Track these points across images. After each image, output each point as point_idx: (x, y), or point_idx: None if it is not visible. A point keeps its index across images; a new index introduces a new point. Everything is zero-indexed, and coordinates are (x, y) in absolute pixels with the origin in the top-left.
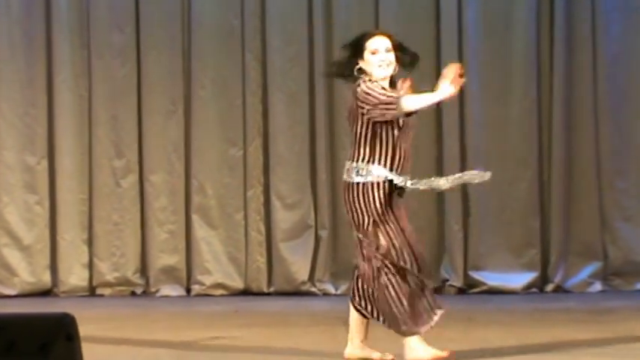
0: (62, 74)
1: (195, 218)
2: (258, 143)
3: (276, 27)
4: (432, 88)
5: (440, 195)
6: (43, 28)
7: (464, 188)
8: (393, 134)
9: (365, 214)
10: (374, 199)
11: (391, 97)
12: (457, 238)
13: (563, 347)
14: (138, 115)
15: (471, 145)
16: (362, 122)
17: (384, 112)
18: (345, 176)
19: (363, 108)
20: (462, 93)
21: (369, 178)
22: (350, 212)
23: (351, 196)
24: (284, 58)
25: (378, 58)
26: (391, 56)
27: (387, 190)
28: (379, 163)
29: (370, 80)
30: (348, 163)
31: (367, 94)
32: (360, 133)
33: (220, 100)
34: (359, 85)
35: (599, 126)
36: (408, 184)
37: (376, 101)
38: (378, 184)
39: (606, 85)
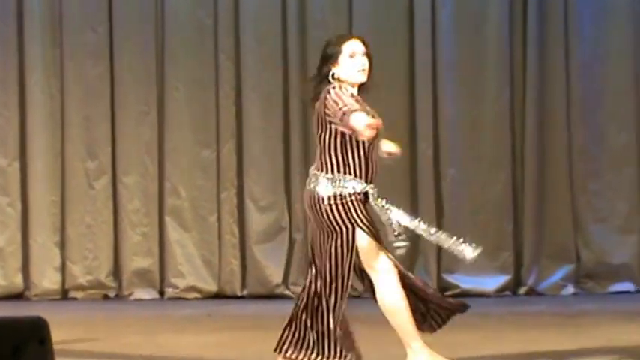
0: (34, 75)
1: (168, 221)
2: (231, 145)
3: (249, 26)
4: (405, 89)
5: (413, 197)
6: (15, 28)
7: (437, 191)
8: (364, 143)
9: (344, 225)
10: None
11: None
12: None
13: (536, 350)
14: (111, 117)
15: (444, 147)
16: (330, 130)
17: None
18: (312, 187)
19: (329, 116)
20: (435, 95)
21: (345, 191)
22: (317, 233)
23: (321, 209)
24: (257, 58)
25: (358, 61)
26: (367, 62)
27: (363, 204)
28: (352, 174)
29: (340, 87)
30: (321, 175)
31: (335, 101)
32: (329, 141)
33: (194, 102)
34: (328, 92)
35: (572, 128)
36: (383, 202)
37: (346, 109)
38: (355, 197)
39: (579, 87)
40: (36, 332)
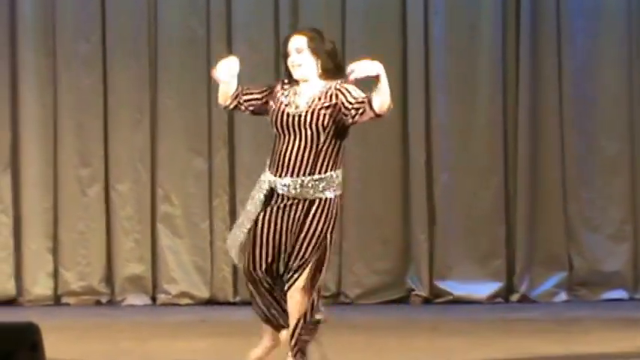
0: (27, 83)
1: (160, 227)
2: (223, 153)
3: (241, 35)
4: (397, 95)
5: (405, 203)
6: (7, 36)
7: (429, 197)
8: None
9: (334, 231)
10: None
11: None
12: (423, 247)
13: (528, 357)
14: (104, 124)
15: (437, 153)
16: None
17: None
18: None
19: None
20: (428, 101)
21: (339, 191)
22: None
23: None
24: (249, 65)
25: (290, 60)
26: (297, 58)
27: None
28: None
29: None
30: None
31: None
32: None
33: (186, 110)
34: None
35: (565, 135)
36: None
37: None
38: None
39: (572, 94)
40: (27, 338)
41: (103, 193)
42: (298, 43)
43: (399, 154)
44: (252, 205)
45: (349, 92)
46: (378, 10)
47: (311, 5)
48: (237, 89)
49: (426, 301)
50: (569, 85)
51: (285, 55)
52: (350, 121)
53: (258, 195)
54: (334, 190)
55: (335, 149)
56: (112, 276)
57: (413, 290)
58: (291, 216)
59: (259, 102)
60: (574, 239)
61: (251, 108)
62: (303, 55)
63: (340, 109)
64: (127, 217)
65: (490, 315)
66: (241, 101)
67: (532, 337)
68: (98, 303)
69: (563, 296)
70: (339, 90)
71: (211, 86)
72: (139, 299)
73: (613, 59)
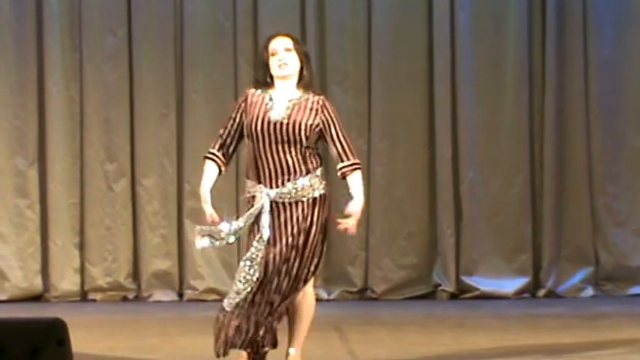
0: (53, 77)
1: (187, 222)
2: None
3: (268, 28)
4: (424, 90)
5: (432, 200)
6: (34, 30)
7: (456, 193)
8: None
9: (324, 229)
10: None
11: None
12: (449, 243)
13: (555, 352)
14: (130, 119)
15: (463, 150)
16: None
17: None
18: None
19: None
20: (454, 97)
21: (323, 189)
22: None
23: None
24: None
25: (276, 58)
26: (286, 56)
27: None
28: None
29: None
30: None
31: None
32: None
33: (212, 104)
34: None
35: (591, 130)
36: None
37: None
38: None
39: (598, 89)
40: (54, 334)
41: (129, 188)
42: (287, 43)
43: (425, 149)
44: (246, 220)
45: (335, 126)
46: (404, 5)
47: (337, 0)
48: (222, 149)
49: (453, 296)
50: (596, 81)
51: (267, 55)
52: (326, 142)
53: (254, 211)
54: (323, 188)
55: (316, 150)
56: (138, 272)
57: (439, 285)
58: (293, 218)
59: (239, 126)
60: (600, 234)
61: (237, 136)
62: (291, 55)
63: (321, 129)
64: (153, 213)
65: (516, 310)
66: (226, 147)
67: (559, 333)
68: (125, 299)
69: (589, 291)
70: (325, 110)
71: (238, 80)
72: (166, 295)
73: (639, 55)
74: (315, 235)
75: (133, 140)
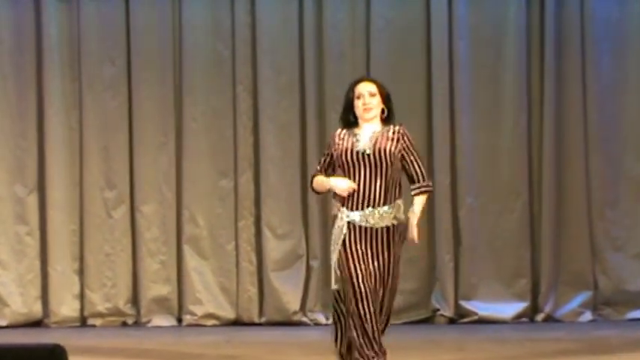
0: (53, 106)
1: (186, 248)
2: (249, 174)
3: (266, 58)
4: (422, 118)
5: (431, 226)
6: (34, 60)
7: (455, 218)
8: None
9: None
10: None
11: None
12: (448, 267)
13: None
14: (129, 147)
15: (462, 176)
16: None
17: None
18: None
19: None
20: (453, 124)
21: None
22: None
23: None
24: (274, 88)
25: (362, 102)
26: (370, 100)
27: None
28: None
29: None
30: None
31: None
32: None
33: (211, 132)
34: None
35: (590, 156)
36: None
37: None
38: None
39: (596, 115)
40: None
41: (128, 214)
42: (371, 87)
43: None
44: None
45: (413, 152)
46: (402, 34)
47: (336, 30)
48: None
49: (451, 321)
50: (594, 107)
51: (352, 98)
52: (404, 166)
53: (340, 233)
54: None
55: (398, 180)
56: (137, 297)
57: (438, 310)
58: (374, 244)
59: (332, 159)
60: (599, 259)
61: (330, 170)
62: (375, 99)
63: (402, 154)
64: (152, 239)
65: (515, 335)
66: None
67: (557, 357)
68: (124, 324)
69: (588, 316)
70: (405, 138)
71: (236, 108)
72: (165, 320)
73: (637, 81)
74: (392, 261)
75: (132, 167)
